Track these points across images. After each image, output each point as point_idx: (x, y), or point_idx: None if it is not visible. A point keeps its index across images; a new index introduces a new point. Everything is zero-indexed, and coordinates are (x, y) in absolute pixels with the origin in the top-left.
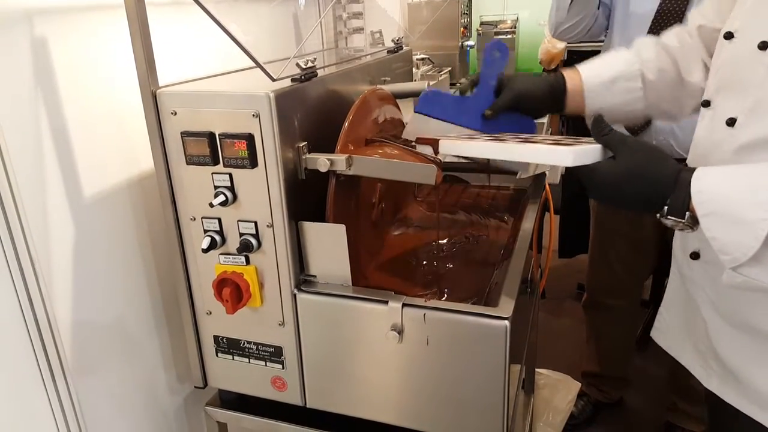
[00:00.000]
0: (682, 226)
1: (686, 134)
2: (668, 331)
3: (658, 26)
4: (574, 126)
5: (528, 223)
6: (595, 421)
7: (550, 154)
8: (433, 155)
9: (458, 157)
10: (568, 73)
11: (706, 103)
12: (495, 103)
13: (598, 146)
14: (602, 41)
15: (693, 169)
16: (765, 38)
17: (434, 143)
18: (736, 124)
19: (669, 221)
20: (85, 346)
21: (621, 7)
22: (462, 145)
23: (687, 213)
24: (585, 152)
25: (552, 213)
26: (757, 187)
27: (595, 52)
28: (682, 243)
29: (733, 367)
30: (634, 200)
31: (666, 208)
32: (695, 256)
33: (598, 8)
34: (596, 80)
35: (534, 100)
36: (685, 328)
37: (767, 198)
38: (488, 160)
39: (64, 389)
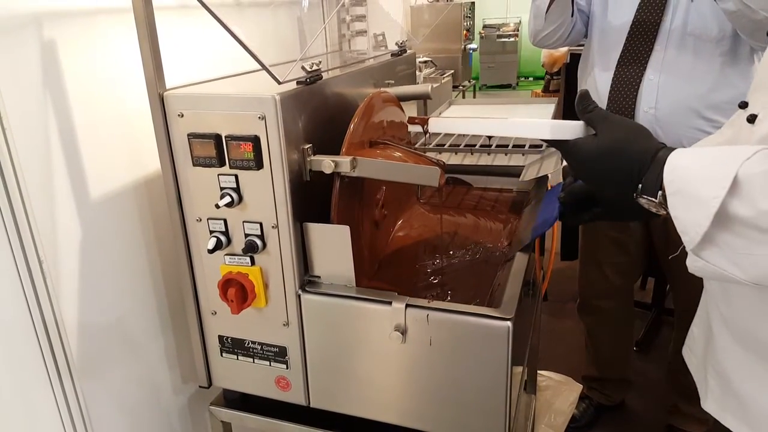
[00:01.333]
0: (655, 206)
1: (666, 132)
2: (694, 348)
3: (634, 36)
4: None
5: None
6: (597, 423)
7: (527, 128)
8: (436, 159)
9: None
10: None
11: (743, 105)
12: (570, 190)
13: (580, 122)
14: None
15: (672, 149)
16: None
17: (423, 122)
18: (757, 119)
19: (643, 200)
20: (91, 346)
21: (599, 17)
22: (448, 122)
23: (659, 192)
24: (563, 127)
25: None
26: (718, 163)
27: None
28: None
29: (736, 388)
30: (612, 178)
31: (640, 186)
32: None
33: (572, 16)
34: None
35: (623, 209)
36: (703, 346)
37: (723, 174)
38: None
39: (70, 388)
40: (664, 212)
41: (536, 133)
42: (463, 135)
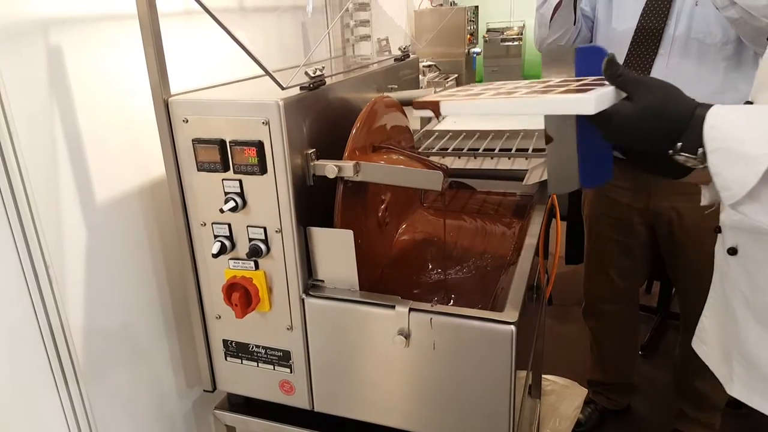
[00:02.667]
0: (693, 162)
1: None
2: (705, 338)
3: (638, 43)
4: None
5: (534, 229)
6: (602, 428)
7: (568, 104)
8: (439, 163)
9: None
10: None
11: (748, 104)
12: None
13: (612, 88)
14: None
15: (709, 106)
16: None
17: (435, 105)
18: None
19: (681, 157)
20: (96, 350)
21: (603, 23)
22: (466, 104)
23: (700, 149)
24: (604, 96)
25: (558, 219)
26: (766, 122)
27: None
28: (721, 241)
29: (764, 369)
30: (651, 138)
31: (680, 144)
32: (733, 251)
33: (574, 24)
34: None
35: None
36: (719, 334)
37: None
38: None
39: (75, 392)
40: (702, 167)
41: (579, 109)
42: (467, 139)
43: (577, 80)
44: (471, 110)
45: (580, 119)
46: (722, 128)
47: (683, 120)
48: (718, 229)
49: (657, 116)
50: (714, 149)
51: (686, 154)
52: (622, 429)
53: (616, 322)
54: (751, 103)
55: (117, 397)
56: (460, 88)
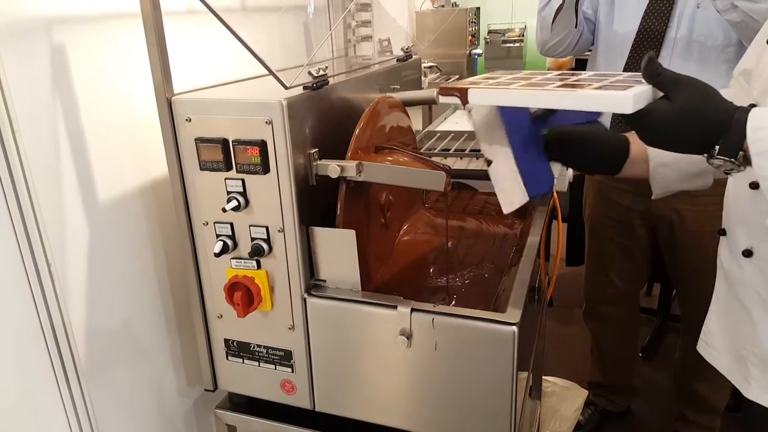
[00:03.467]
0: (731, 165)
1: None
2: (711, 342)
3: (639, 45)
4: None
5: (536, 231)
6: (603, 429)
7: (605, 101)
8: (441, 164)
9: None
10: (632, 137)
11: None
12: (559, 132)
13: (649, 87)
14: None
15: (749, 109)
16: None
17: (462, 92)
18: None
19: (718, 161)
20: (98, 349)
21: (605, 25)
22: (498, 93)
23: (740, 152)
24: (642, 95)
25: (560, 221)
26: None
27: None
28: (730, 244)
29: None
30: (688, 140)
31: (717, 147)
32: (748, 253)
33: (576, 26)
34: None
35: (591, 142)
36: (728, 337)
37: None
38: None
39: (77, 391)
40: (738, 171)
41: (616, 107)
42: (469, 140)
43: (612, 75)
44: (502, 101)
45: (512, 133)
46: (767, 131)
47: (723, 122)
48: (723, 232)
49: (695, 117)
50: (760, 152)
51: (723, 158)
52: (622, 431)
53: (616, 325)
54: (754, 106)
55: (118, 396)
56: (485, 76)
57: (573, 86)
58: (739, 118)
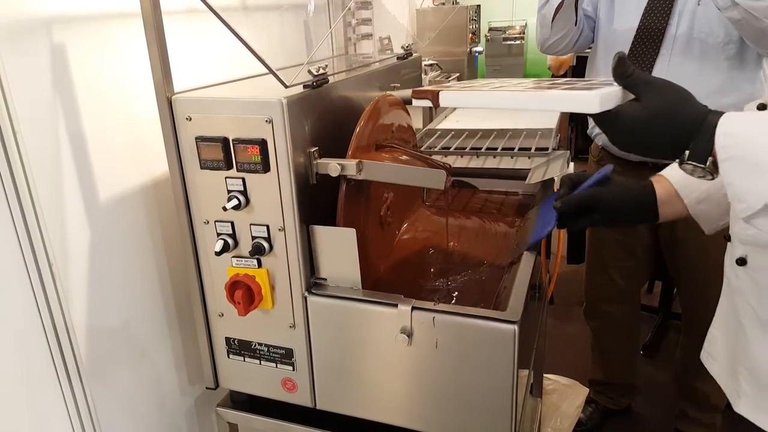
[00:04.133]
0: (701, 172)
1: None
2: (714, 352)
3: (639, 42)
4: (583, 132)
5: None
6: (603, 427)
7: (570, 101)
8: (441, 162)
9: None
10: (655, 179)
11: (762, 107)
12: (568, 200)
13: (619, 88)
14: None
15: (721, 113)
16: None
17: (434, 95)
18: None
19: (688, 166)
20: (99, 347)
21: (605, 23)
22: (465, 95)
23: (709, 158)
24: (610, 96)
25: None
26: None
27: None
28: (730, 251)
29: None
30: (658, 144)
31: (687, 152)
32: (741, 262)
33: (576, 24)
34: (688, 179)
35: (621, 214)
36: (727, 347)
37: None
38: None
39: (79, 390)
40: (710, 179)
41: (583, 107)
42: (470, 138)
43: (584, 80)
44: (470, 102)
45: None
46: (736, 135)
47: (694, 125)
48: (728, 237)
49: (666, 120)
50: (727, 158)
51: (694, 163)
52: (622, 429)
53: (617, 323)
54: (765, 105)
55: (120, 394)
56: (463, 82)
57: (543, 89)
58: (710, 122)
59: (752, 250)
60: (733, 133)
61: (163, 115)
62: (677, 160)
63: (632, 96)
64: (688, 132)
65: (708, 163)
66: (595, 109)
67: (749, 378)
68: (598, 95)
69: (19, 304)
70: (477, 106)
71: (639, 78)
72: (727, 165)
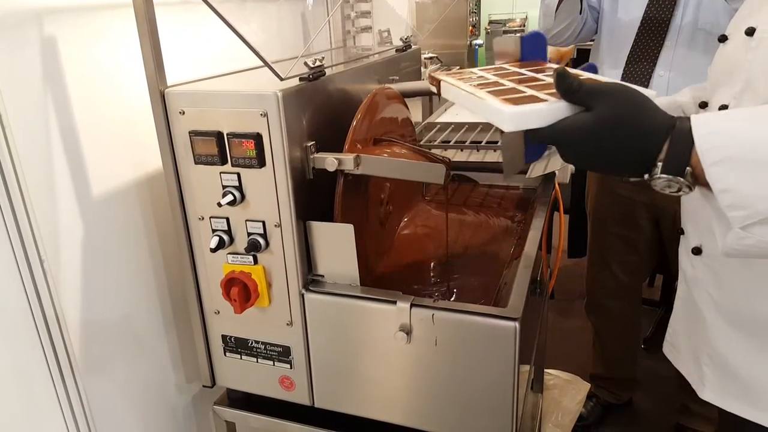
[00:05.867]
0: (680, 185)
1: None
2: (676, 343)
3: (644, 33)
4: None
5: (537, 223)
6: (605, 422)
7: (488, 111)
8: (441, 156)
9: None
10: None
11: (704, 105)
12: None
13: (562, 104)
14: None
15: (686, 117)
16: (752, 24)
17: (438, 84)
18: (756, 32)
19: (661, 181)
20: (93, 345)
21: (609, 13)
22: (450, 88)
23: (688, 168)
24: (534, 114)
25: (561, 213)
26: None
27: None
28: (684, 241)
29: (736, 371)
30: (618, 158)
31: (660, 164)
32: (697, 251)
33: (580, 14)
34: None
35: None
36: (688, 338)
37: None
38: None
39: (73, 388)
40: (687, 192)
41: (495, 121)
42: (470, 131)
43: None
44: (450, 97)
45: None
46: (722, 134)
47: (658, 134)
48: (681, 231)
49: (625, 128)
50: (717, 160)
51: (668, 176)
52: (624, 423)
53: (618, 318)
54: (706, 103)
55: (115, 392)
56: (477, 69)
57: (486, 86)
58: (682, 128)
59: (707, 240)
60: (719, 132)
61: (155, 109)
62: (646, 175)
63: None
64: (653, 140)
65: (686, 174)
66: (506, 126)
67: (711, 364)
68: (508, 111)
69: (11, 303)
70: (450, 99)
71: (588, 89)
72: (718, 169)
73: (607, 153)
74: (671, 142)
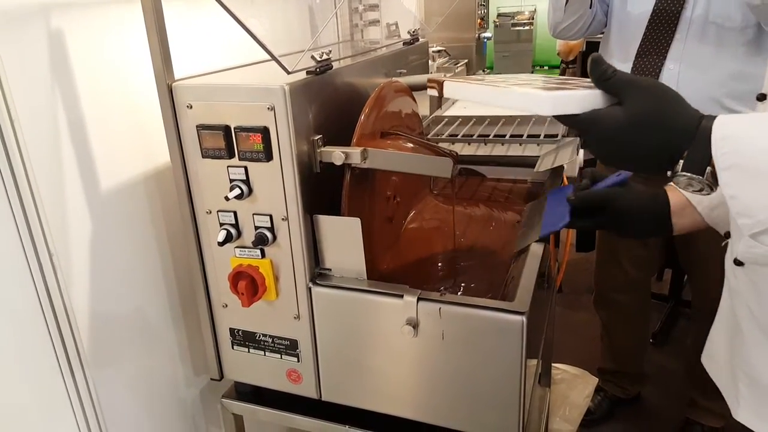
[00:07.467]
0: (698, 184)
1: None
2: (715, 355)
3: (654, 26)
4: None
5: None
6: (613, 416)
7: (523, 99)
8: (448, 149)
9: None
10: (669, 188)
11: (762, 97)
12: (583, 195)
13: (597, 92)
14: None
15: (713, 117)
16: None
17: (440, 85)
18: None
19: (683, 179)
20: (102, 338)
21: (619, 6)
22: (459, 87)
23: (708, 168)
24: (572, 99)
25: None
26: None
27: None
28: (729, 248)
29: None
30: (645, 154)
31: (682, 162)
32: (739, 262)
33: (591, 7)
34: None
35: (630, 220)
36: (727, 351)
37: None
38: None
39: (82, 381)
40: (707, 193)
41: (534, 108)
42: (477, 125)
43: (582, 80)
44: (461, 94)
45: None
46: (737, 140)
47: (687, 131)
48: (728, 234)
49: (653, 125)
50: (728, 166)
51: (689, 174)
52: (632, 417)
53: (627, 312)
54: (765, 95)
55: (123, 385)
56: (476, 76)
57: (525, 83)
58: (706, 127)
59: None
60: (734, 136)
61: (163, 102)
62: (669, 172)
63: (615, 100)
64: (680, 139)
65: (706, 174)
66: (547, 110)
67: (747, 381)
68: (549, 96)
69: (20, 298)
70: (464, 98)
71: (621, 79)
72: (728, 175)
73: (634, 147)
74: (695, 141)
